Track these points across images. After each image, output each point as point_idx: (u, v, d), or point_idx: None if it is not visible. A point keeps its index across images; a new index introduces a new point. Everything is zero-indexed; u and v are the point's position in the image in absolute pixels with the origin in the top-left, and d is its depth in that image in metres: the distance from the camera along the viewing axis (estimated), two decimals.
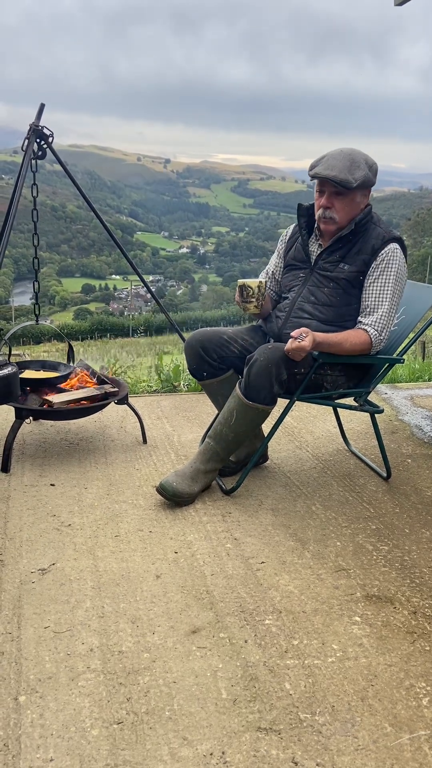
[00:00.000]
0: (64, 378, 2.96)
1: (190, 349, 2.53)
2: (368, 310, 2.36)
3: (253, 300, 2.41)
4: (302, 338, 2.18)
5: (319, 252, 2.47)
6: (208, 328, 2.59)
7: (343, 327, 2.39)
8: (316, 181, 2.39)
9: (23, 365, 3.08)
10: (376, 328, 2.33)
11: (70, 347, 3.21)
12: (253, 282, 2.40)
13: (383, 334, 2.35)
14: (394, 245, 2.37)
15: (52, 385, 2.87)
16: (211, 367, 2.51)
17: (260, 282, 2.40)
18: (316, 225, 2.51)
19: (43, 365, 3.12)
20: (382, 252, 2.35)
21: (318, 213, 2.41)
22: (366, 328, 2.33)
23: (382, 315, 2.34)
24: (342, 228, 2.39)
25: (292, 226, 2.64)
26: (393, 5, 4.10)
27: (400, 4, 4.07)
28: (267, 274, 2.68)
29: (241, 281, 2.42)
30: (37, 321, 3.24)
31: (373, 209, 2.45)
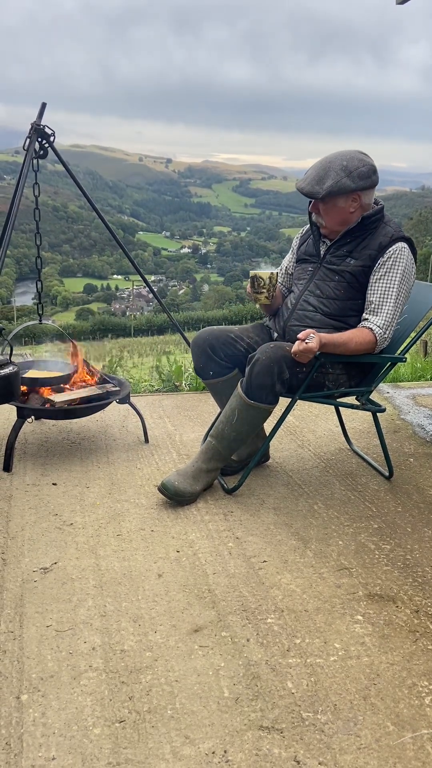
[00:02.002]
0: (69, 377, 2.96)
1: (197, 348, 2.52)
2: (372, 306, 2.36)
3: (264, 291, 2.42)
4: (309, 340, 2.18)
5: (328, 246, 2.49)
6: (215, 327, 2.59)
7: (345, 321, 2.40)
8: None
9: (27, 365, 3.08)
10: (380, 326, 2.33)
11: (74, 346, 3.21)
12: (264, 273, 2.42)
13: (387, 333, 2.35)
14: (402, 244, 2.37)
15: (55, 384, 2.87)
16: (218, 366, 2.51)
17: (271, 273, 2.42)
18: None
19: (47, 365, 3.12)
20: (390, 250, 2.36)
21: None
22: (371, 326, 2.33)
23: (386, 313, 2.34)
24: (336, 231, 2.43)
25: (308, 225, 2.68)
26: (395, 4, 4.09)
27: (402, 3, 4.06)
28: (282, 270, 2.71)
29: (252, 272, 2.44)
30: (40, 320, 3.24)
31: (385, 211, 2.46)
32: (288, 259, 2.71)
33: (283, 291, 2.68)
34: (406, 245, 2.39)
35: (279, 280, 2.67)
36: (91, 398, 2.79)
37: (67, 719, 1.37)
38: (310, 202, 2.43)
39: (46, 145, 3.29)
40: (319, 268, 2.48)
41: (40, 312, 3.25)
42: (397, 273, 2.35)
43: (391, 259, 2.36)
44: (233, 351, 2.52)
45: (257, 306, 2.55)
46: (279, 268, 2.73)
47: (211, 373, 2.53)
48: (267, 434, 2.60)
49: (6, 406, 2.72)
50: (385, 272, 2.36)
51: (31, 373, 2.97)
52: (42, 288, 3.30)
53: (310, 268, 2.52)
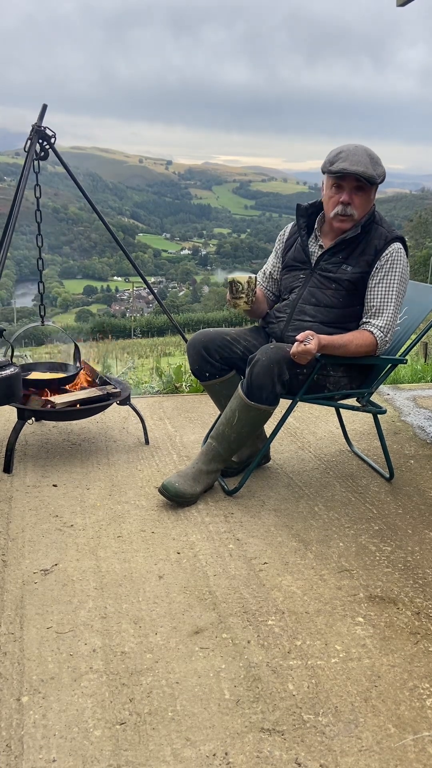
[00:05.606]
0: (73, 378, 2.96)
1: (192, 349, 2.52)
2: (373, 310, 2.36)
3: (243, 296, 2.35)
4: (308, 341, 2.17)
5: (320, 253, 2.46)
6: (211, 329, 2.58)
7: (345, 328, 2.38)
8: (325, 178, 2.38)
9: (29, 367, 3.07)
10: (381, 329, 2.32)
11: (76, 347, 3.21)
12: (242, 277, 2.34)
13: (389, 336, 2.35)
14: (397, 245, 2.37)
15: (56, 386, 2.87)
16: (213, 367, 2.50)
17: (249, 277, 2.34)
18: (316, 225, 2.50)
19: (50, 366, 3.12)
20: (386, 252, 2.35)
21: (335, 210, 2.35)
22: (372, 329, 2.33)
23: (387, 316, 2.34)
24: (356, 225, 2.37)
25: (290, 226, 2.62)
26: (395, 6, 4.10)
27: (403, 5, 4.06)
28: (264, 274, 2.65)
29: (230, 276, 2.34)
30: (43, 322, 3.23)
31: (376, 210, 2.45)
32: (272, 264, 2.63)
33: (268, 295, 2.64)
34: (401, 245, 2.39)
35: (263, 285, 2.61)
36: (91, 400, 2.79)
37: (67, 721, 1.37)
38: (338, 190, 2.32)
39: (47, 146, 3.29)
40: (312, 275, 2.44)
41: (42, 314, 3.24)
42: (395, 276, 2.35)
43: (389, 262, 2.35)
44: (229, 353, 2.49)
45: (238, 311, 2.46)
46: (263, 269, 2.65)
47: (207, 374, 2.52)
48: (267, 436, 2.60)
49: (6, 407, 2.72)
50: (384, 275, 2.35)
51: (32, 375, 2.97)
52: (44, 289, 3.30)
53: (302, 275, 2.47)
